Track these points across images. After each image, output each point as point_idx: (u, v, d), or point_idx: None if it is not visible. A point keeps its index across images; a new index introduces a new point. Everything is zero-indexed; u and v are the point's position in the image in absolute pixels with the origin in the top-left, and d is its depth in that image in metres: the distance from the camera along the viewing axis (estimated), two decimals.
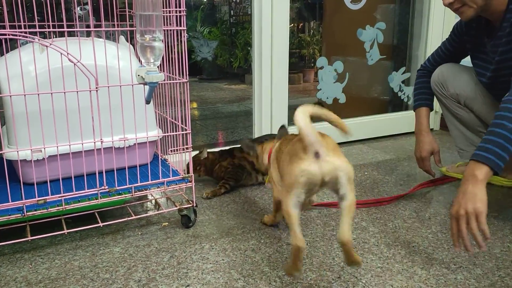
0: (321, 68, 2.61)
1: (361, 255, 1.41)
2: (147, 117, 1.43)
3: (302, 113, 1.10)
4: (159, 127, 1.72)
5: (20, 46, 1.39)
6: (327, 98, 2.66)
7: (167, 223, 1.64)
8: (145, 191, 1.50)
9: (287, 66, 2.39)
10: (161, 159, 1.73)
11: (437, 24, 2.82)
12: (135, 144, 1.56)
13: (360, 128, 2.74)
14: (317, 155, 1.11)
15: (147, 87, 1.36)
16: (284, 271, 1.31)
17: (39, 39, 1.27)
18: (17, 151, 1.38)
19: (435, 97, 1.98)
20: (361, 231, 1.58)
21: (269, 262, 1.37)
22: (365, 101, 2.92)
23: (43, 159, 1.42)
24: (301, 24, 5.86)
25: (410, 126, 2.90)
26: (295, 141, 1.19)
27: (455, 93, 1.89)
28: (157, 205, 1.75)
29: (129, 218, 1.51)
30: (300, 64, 5.83)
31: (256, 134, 2.44)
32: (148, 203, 1.81)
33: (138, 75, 1.34)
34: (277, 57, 2.34)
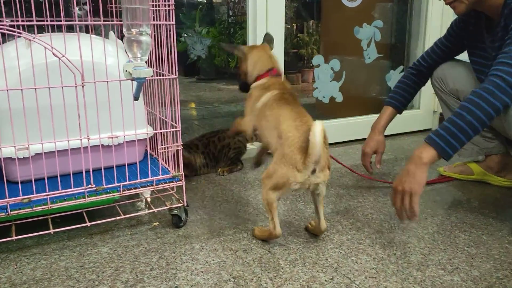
0: (318, 66, 2.57)
1: (355, 255, 1.37)
2: (135, 115, 1.39)
3: (321, 131, 1.23)
4: (150, 124, 1.68)
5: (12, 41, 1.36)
6: (324, 97, 2.63)
7: (157, 223, 1.60)
8: (134, 190, 1.46)
9: (281, 66, 2.35)
10: (151, 157, 1.70)
11: (435, 23, 2.78)
12: (124, 142, 1.52)
13: (357, 127, 2.70)
14: (313, 171, 1.28)
15: (135, 83, 1.33)
16: (254, 235, 1.50)
17: (21, 33, 1.23)
18: (0, 148, 1.34)
19: (411, 94, 1.97)
20: (356, 232, 1.54)
21: (260, 263, 1.33)
22: (362, 100, 2.88)
23: (29, 157, 1.38)
24: (300, 24, 5.83)
25: (409, 126, 2.88)
26: (294, 139, 1.30)
27: (455, 88, 1.85)
28: (147, 205, 1.71)
29: (117, 218, 1.47)
30: (298, 64, 5.80)
31: None
32: (140, 202, 1.78)
33: (126, 71, 1.31)
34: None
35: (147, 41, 1.26)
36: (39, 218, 1.42)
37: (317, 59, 2.56)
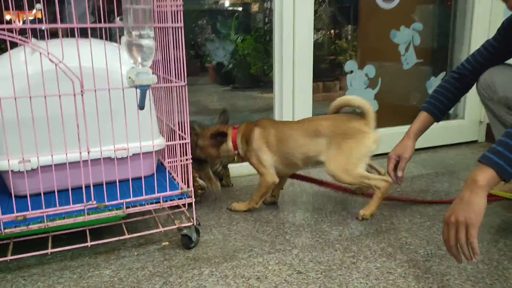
0: (350, 72, 2.39)
1: None
2: (141, 125, 1.28)
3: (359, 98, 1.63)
4: (164, 135, 1.57)
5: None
6: None
7: (167, 243, 1.47)
8: (139, 208, 1.34)
9: (311, 74, 2.21)
10: (160, 171, 1.58)
11: (482, 25, 2.54)
12: (128, 155, 1.41)
13: (395, 138, 2.46)
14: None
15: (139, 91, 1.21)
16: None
17: (18, 38, 1.14)
18: None
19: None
20: (387, 259, 1.36)
21: None
22: (401, 109, 2.66)
23: (31, 170, 1.29)
24: (338, 30, 5.63)
25: (452, 138, 2.65)
26: (343, 118, 1.65)
27: (505, 96, 1.63)
28: (155, 223, 1.59)
29: (121, 238, 1.36)
30: (336, 71, 5.59)
31: None
32: (152, 219, 1.66)
33: (129, 78, 1.20)
34: (299, 65, 2.16)
35: (149, 45, 1.15)
36: (39, 236, 1.33)
37: (350, 65, 2.39)
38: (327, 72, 5.30)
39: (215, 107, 3.77)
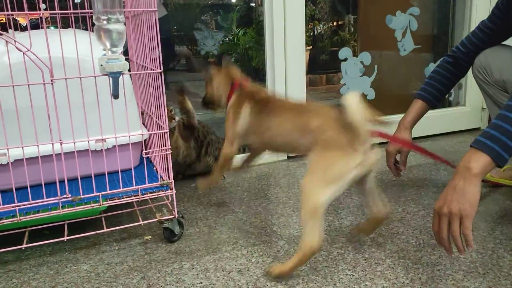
0: (345, 60, 2.33)
1: (370, 280, 1.14)
2: (114, 116, 1.23)
3: (358, 102, 1.06)
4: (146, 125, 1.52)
5: None
6: None
7: (150, 237, 1.43)
8: (117, 200, 1.30)
9: (303, 65, 2.14)
10: (148, 162, 1.54)
11: (482, 9, 2.45)
12: (114, 146, 1.37)
13: (392, 127, 2.43)
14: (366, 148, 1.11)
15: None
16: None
17: None
18: None
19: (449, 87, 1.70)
20: (376, 249, 1.30)
21: (254, 287, 1.13)
22: (398, 97, 2.59)
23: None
24: (340, 20, 5.55)
25: (453, 125, 2.57)
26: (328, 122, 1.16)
27: (501, 79, 1.56)
28: (137, 216, 1.55)
29: (99, 232, 1.31)
30: (338, 62, 5.51)
31: None
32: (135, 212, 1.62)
33: (101, 65, 1.15)
34: (292, 57, 2.10)
35: (118, 30, 1.10)
36: (16, 231, 1.29)
37: (344, 52, 2.31)
38: (329, 64, 5.22)
39: None
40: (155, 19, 1.21)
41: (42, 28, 1.76)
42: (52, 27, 1.69)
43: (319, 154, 1.14)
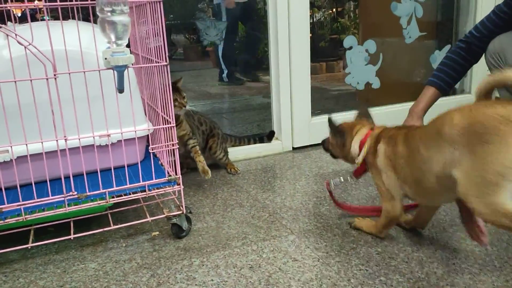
0: (350, 48, 2.28)
1: (385, 275, 1.12)
2: (119, 110, 1.20)
3: None
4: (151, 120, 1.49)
5: None
6: (358, 83, 2.34)
7: (158, 233, 1.40)
8: (124, 197, 1.27)
9: (308, 54, 2.10)
10: (154, 157, 1.50)
11: None
12: (119, 141, 1.33)
13: (399, 116, 2.39)
14: None
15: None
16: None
17: None
18: None
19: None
20: (389, 243, 1.28)
21: (267, 285, 1.10)
22: (404, 86, 2.56)
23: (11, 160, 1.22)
24: (341, 7, 5.49)
25: None
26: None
27: None
28: (144, 212, 1.52)
29: (106, 229, 1.29)
30: (339, 50, 5.45)
31: (275, 127, 2.17)
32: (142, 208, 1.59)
33: (105, 59, 1.11)
34: (296, 45, 2.06)
35: (123, 22, 1.06)
36: (21, 230, 1.26)
37: (349, 40, 2.27)
38: (329, 52, 5.17)
39: (212, 91, 3.65)
40: (161, 10, 1.17)
41: (37, 19, 1.72)
42: (47, 18, 1.64)
43: (473, 154, 1.00)
